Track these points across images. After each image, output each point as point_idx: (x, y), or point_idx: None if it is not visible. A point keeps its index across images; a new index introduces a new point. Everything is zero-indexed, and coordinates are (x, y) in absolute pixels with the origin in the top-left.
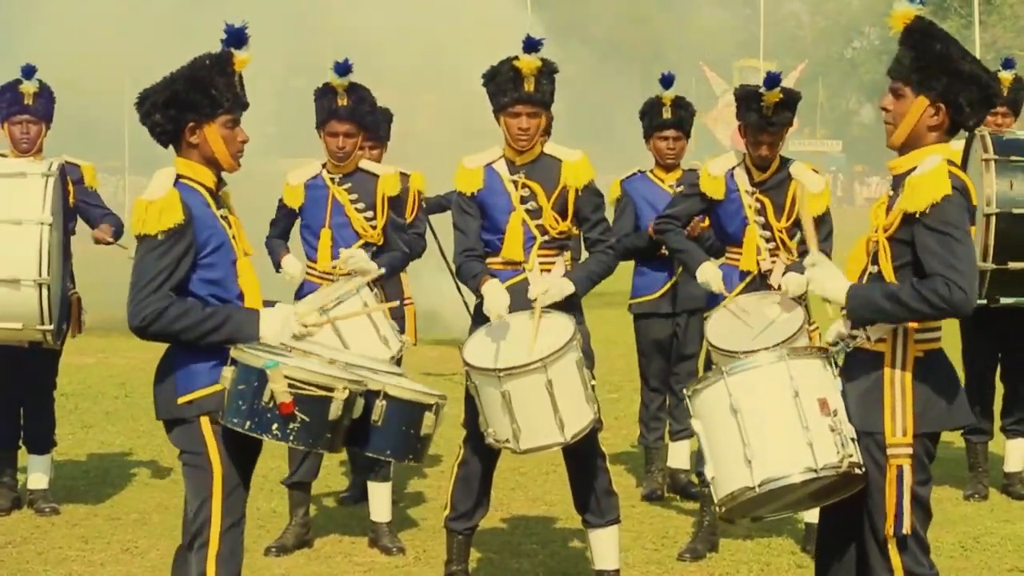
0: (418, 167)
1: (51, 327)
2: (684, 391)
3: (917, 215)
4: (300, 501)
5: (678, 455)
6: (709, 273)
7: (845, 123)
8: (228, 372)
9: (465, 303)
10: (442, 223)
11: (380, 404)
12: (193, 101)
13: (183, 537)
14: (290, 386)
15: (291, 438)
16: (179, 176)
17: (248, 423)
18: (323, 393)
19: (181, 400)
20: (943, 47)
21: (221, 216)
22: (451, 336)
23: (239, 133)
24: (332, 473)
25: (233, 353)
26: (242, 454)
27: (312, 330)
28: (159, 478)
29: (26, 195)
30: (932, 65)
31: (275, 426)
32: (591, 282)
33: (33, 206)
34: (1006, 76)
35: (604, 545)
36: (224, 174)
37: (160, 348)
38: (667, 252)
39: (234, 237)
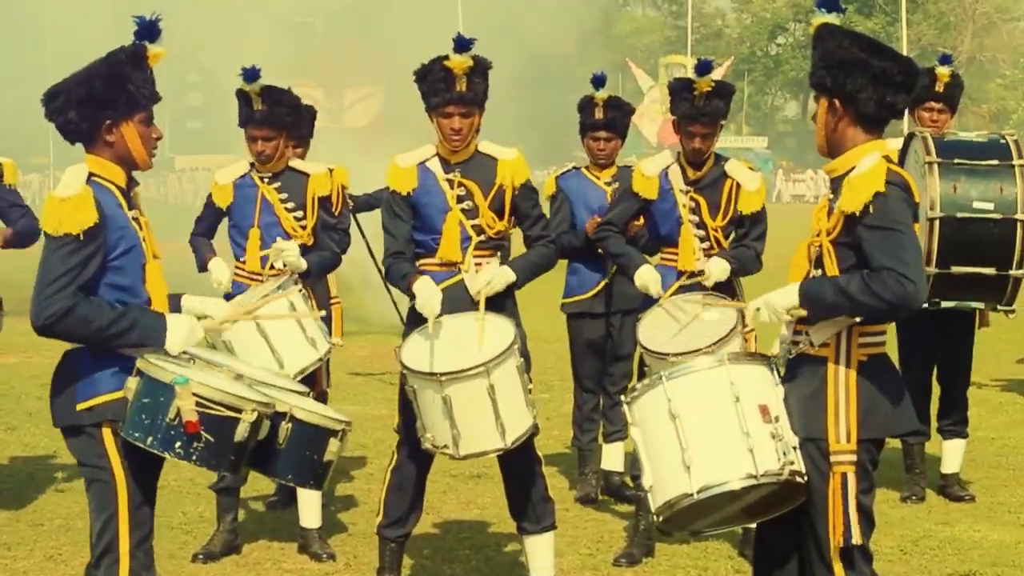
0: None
1: None
2: (622, 398)
3: (858, 215)
4: (228, 507)
5: (612, 457)
6: (647, 276)
7: (770, 120)
8: (132, 383)
9: (394, 301)
10: (371, 221)
11: (286, 427)
12: (111, 99)
13: (92, 551)
14: (197, 404)
15: (194, 458)
16: (91, 174)
17: (150, 439)
18: (231, 414)
19: (80, 406)
20: (826, 44)
21: (132, 217)
22: (380, 335)
23: (154, 130)
24: (259, 477)
25: (139, 364)
26: (146, 464)
27: (224, 326)
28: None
29: None
30: (818, 66)
31: (178, 444)
32: (531, 272)
33: None
34: (943, 72)
35: (540, 552)
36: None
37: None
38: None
39: (144, 239)
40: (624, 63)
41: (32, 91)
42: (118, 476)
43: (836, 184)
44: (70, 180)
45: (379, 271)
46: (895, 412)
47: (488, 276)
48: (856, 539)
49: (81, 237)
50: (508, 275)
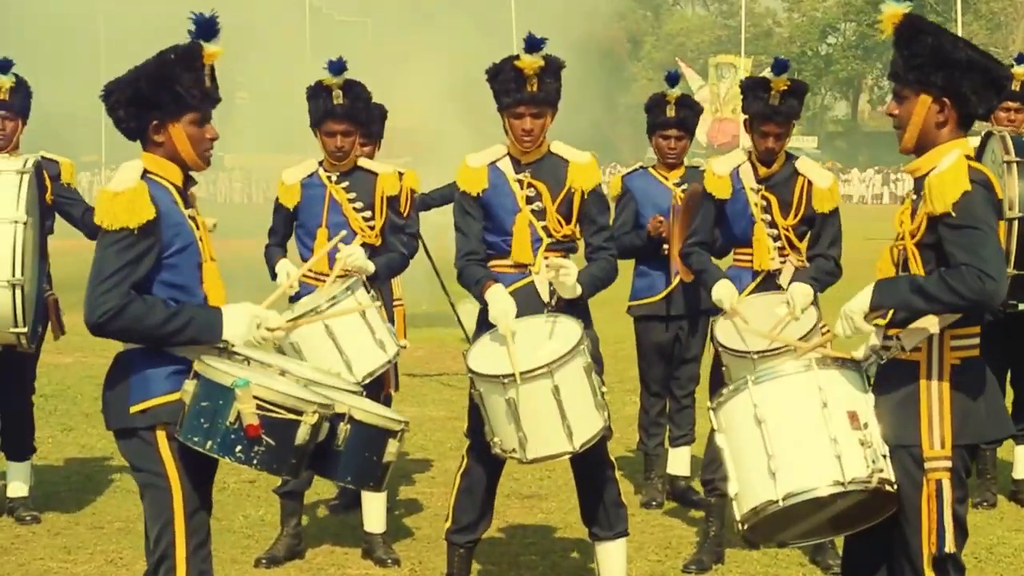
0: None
1: (25, 330)
2: (708, 404)
3: (947, 216)
4: (292, 511)
5: (678, 461)
6: (723, 291)
7: (819, 119)
8: (190, 386)
9: (451, 304)
10: (424, 221)
11: (344, 428)
12: (157, 100)
13: (147, 560)
14: (258, 407)
15: (255, 462)
16: (146, 171)
17: (209, 443)
18: (292, 416)
19: (134, 409)
20: (934, 40)
21: (189, 216)
22: (438, 335)
23: (208, 130)
24: (322, 479)
25: (197, 366)
26: (201, 467)
27: (275, 335)
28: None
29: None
30: (926, 61)
31: (239, 448)
32: (595, 288)
33: (7, 204)
34: (1019, 71)
35: (612, 559)
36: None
37: None
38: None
39: (201, 239)
40: (674, 62)
41: (83, 88)
42: (173, 481)
43: (919, 184)
44: (124, 176)
45: (436, 272)
46: (990, 417)
47: (561, 263)
48: (950, 547)
49: (136, 231)
50: (576, 288)
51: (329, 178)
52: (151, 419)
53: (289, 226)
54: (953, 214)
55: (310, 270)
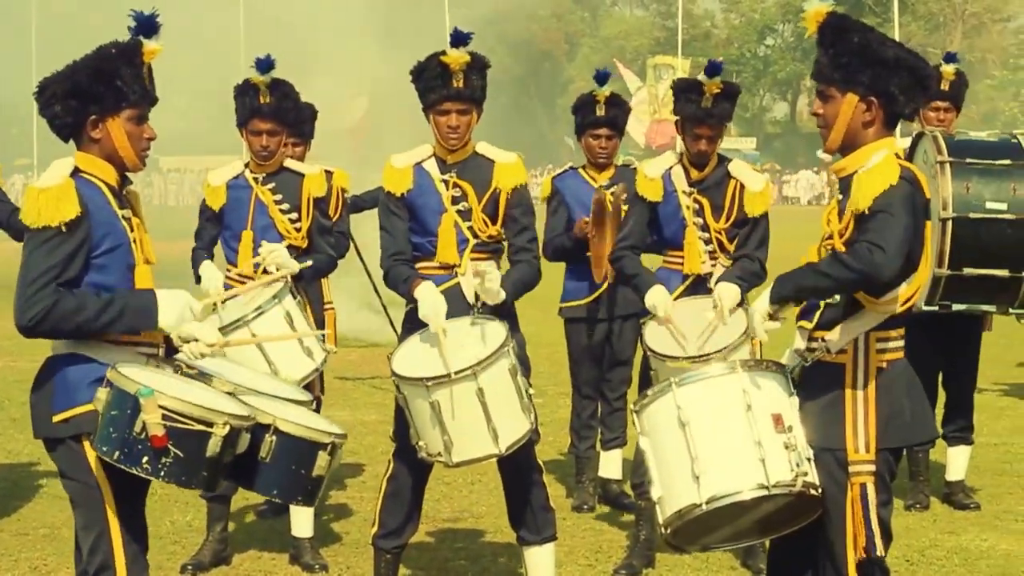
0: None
1: None
2: (630, 407)
3: (865, 212)
4: (219, 516)
5: (610, 465)
6: (657, 297)
7: (758, 121)
8: (102, 394)
9: (384, 306)
10: (358, 223)
11: (269, 439)
12: (96, 93)
13: (76, 566)
14: (165, 417)
15: (162, 474)
16: (78, 169)
17: (117, 453)
18: (200, 427)
19: (56, 418)
20: (861, 38)
21: (123, 217)
22: (370, 340)
23: (146, 130)
24: None
25: (109, 374)
26: (133, 476)
27: (213, 350)
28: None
29: None
30: (853, 59)
31: (146, 459)
32: (518, 292)
33: None
34: (948, 70)
35: (540, 564)
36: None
37: None
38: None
39: (135, 241)
40: (612, 64)
41: (16, 92)
42: (104, 490)
43: (845, 184)
44: (52, 173)
45: (368, 274)
46: (915, 420)
47: (485, 270)
48: (880, 551)
49: (63, 229)
50: (500, 294)
51: (255, 179)
52: (73, 429)
53: (216, 230)
54: (872, 205)
55: (237, 273)
